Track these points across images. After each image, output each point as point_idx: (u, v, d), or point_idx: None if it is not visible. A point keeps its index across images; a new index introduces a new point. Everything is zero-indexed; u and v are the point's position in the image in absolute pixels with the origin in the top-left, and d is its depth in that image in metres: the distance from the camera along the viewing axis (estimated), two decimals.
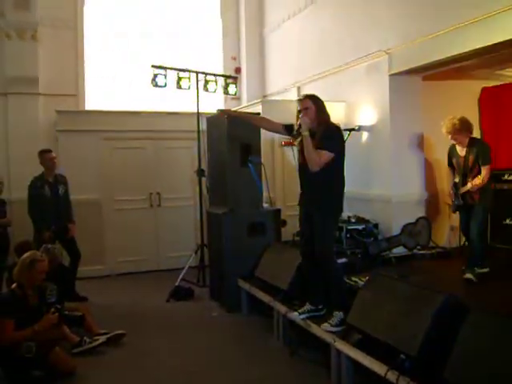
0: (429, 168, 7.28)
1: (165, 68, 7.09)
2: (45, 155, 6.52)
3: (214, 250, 6.44)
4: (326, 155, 4.20)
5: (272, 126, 4.97)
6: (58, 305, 4.57)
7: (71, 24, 9.43)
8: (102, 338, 4.98)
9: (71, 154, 7.58)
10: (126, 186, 8.14)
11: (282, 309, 4.91)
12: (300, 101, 4.44)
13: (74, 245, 6.57)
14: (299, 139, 4.40)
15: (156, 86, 7.03)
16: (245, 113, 4.80)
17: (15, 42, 8.79)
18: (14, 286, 4.38)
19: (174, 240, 8.22)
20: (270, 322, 5.21)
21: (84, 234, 6.99)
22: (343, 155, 4.37)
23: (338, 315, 4.23)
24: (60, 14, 9.21)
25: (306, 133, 4.24)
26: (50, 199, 6.42)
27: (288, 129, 4.70)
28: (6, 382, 4.14)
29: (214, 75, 7.62)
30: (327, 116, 4.41)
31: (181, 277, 6.83)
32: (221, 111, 5.67)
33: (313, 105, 4.36)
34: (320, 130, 4.29)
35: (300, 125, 4.31)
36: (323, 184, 4.28)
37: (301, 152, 4.41)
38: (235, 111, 4.78)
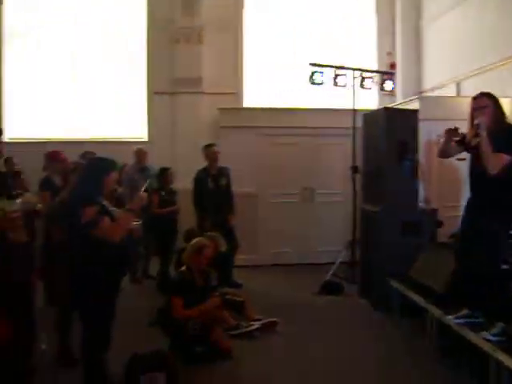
0: None
1: (322, 66, 7.23)
2: (209, 149, 7.03)
3: (365, 247, 6.43)
4: (506, 158, 3.93)
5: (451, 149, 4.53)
6: (219, 289, 4.93)
7: (232, 26, 10.00)
8: (257, 324, 5.23)
9: (231, 148, 7.98)
10: (281, 181, 8.45)
11: (437, 312, 4.78)
12: (475, 99, 4.20)
13: (233, 235, 6.95)
14: (476, 141, 4.13)
15: (313, 83, 7.22)
16: None
17: (183, 46, 9.59)
18: (183, 268, 4.81)
19: (325, 235, 8.33)
20: (420, 323, 5.09)
21: (240, 224, 7.33)
22: None
23: (499, 325, 4.00)
24: (222, 18, 9.80)
25: (484, 133, 3.98)
26: (212, 190, 6.90)
27: (460, 143, 4.39)
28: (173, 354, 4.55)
29: (371, 71, 7.59)
30: (504, 115, 4.15)
31: (332, 271, 6.93)
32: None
33: (490, 103, 4.12)
34: (497, 130, 4.02)
35: (478, 125, 4.07)
36: (500, 189, 4.03)
37: (475, 154, 4.18)
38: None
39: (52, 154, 6.06)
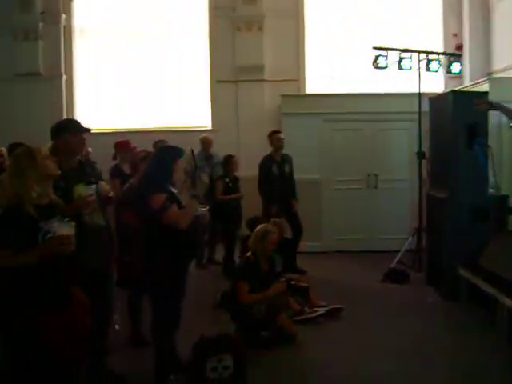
0: None
1: (386, 49, 7.09)
2: (274, 136, 7.09)
3: (432, 234, 6.30)
4: None
5: None
6: (283, 274, 4.97)
7: (293, 13, 9.91)
8: (321, 310, 5.27)
9: (294, 135, 7.94)
10: (344, 167, 8.39)
11: (508, 301, 4.63)
12: None
13: (296, 220, 7.01)
14: None
15: (377, 67, 7.10)
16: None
17: (244, 34, 9.65)
18: (248, 254, 4.90)
19: (389, 222, 8.21)
20: (490, 312, 4.94)
21: (304, 211, 7.34)
22: None
23: None
24: (283, 5, 9.73)
25: None
26: (277, 177, 6.97)
27: None
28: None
29: (437, 54, 7.37)
30: None
31: (397, 259, 6.83)
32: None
33: None
34: None
35: None
36: None
37: None
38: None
39: (121, 143, 6.31)
